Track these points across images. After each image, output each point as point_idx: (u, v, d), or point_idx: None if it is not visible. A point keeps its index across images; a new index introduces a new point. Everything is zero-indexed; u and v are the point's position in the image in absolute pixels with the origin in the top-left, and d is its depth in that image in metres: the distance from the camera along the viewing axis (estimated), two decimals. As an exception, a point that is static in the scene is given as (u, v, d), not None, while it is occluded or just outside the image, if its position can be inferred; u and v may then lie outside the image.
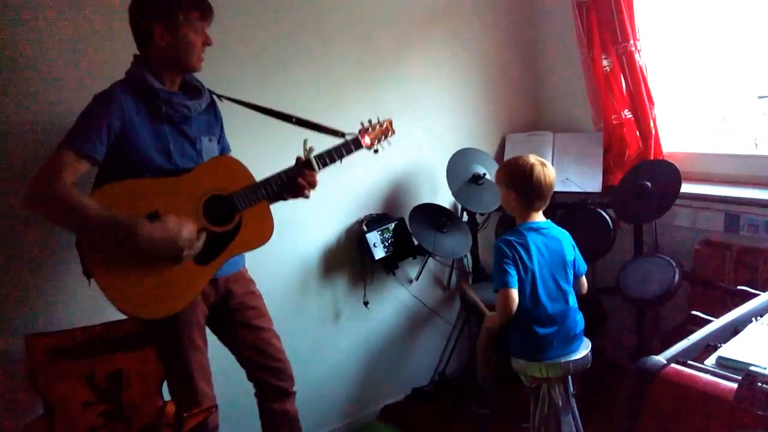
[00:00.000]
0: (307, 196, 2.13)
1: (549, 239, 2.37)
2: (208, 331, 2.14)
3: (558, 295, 2.34)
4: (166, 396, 2.18)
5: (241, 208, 2.01)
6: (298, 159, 2.12)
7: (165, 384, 2.13)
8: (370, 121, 2.30)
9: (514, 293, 2.26)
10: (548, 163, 2.38)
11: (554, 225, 2.43)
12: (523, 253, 2.30)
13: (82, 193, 1.78)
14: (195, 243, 1.88)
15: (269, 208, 2.10)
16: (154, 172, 1.91)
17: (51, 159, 1.79)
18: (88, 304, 2.18)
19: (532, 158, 2.36)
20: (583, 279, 2.48)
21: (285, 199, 2.16)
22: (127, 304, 1.86)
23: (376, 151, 2.31)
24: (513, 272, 2.27)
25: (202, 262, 1.94)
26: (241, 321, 2.17)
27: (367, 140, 2.26)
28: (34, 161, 1.97)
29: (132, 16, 1.93)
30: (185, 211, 1.91)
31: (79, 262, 1.89)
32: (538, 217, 2.40)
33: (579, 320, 2.39)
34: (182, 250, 1.84)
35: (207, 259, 1.95)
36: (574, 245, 2.44)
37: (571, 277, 2.39)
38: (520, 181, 2.34)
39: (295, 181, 2.10)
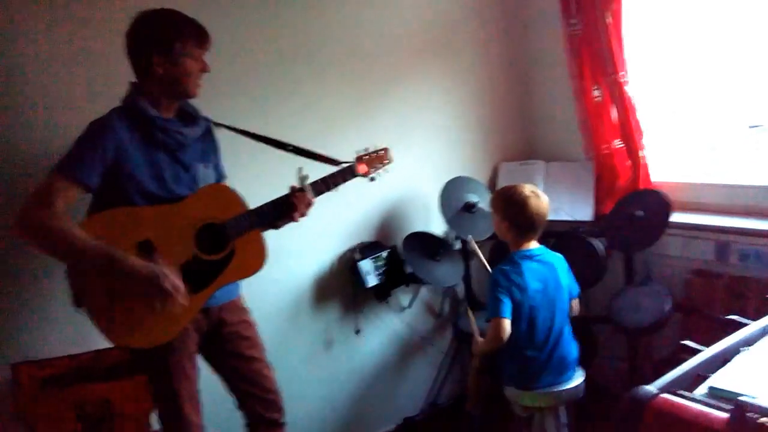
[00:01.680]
0: (295, 220, 2.13)
1: (544, 266, 2.38)
2: (199, 358, 2.12)
3: (554, 323, 2.35)
4: (155, 425, 2.15)
5: (234, 237, 2.00)
6: (292, 187, 2.13)
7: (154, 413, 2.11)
8: (367, 149, 2.32)
9: (506, 323, 2.27)
10: (542, 194, 2.41)
11: (548, 250, 2.45)
12: (519, 282, 2.32)
13: (71, 221, 1.78)
14: (178, 293, 1.85)
15: (262, 236, 2.10)
16: (148, 199, 1.92)
17: (43, 185, 1.79)
18: (77, 331, 2.16)
19: (527, 189, 2.38)
20: (575, 301, 2.49)
21: (277, 227, 2.17)
22: (116, 333, 1.85)
23: (372, 179, 2.33)
24: (507, 302, 2.28)
25: (192, 291, 1.93)
26: (233, 351, 2.15)
27: (362, 168, 2.27)
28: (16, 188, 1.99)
29: (130, 44, 1.94)
30: (178, 239, 1.92)
31: (67, 290, 1.88)
32: (532, 244, 2.42)
33: (573, 348, 2.40)
34: (165, 292, 1.82)
35: (198, 287, 1.94)
36: (568, 269, 2.45)
37: (567, 303, 2.40)
38: (514, 213, 2.37)
39: (289, 201, 2.09)
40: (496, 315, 2.28)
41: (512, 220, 2.38)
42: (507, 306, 2.28)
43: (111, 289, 1.82)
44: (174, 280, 1.84)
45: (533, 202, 2.35)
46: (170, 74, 1.92)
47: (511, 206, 2.37)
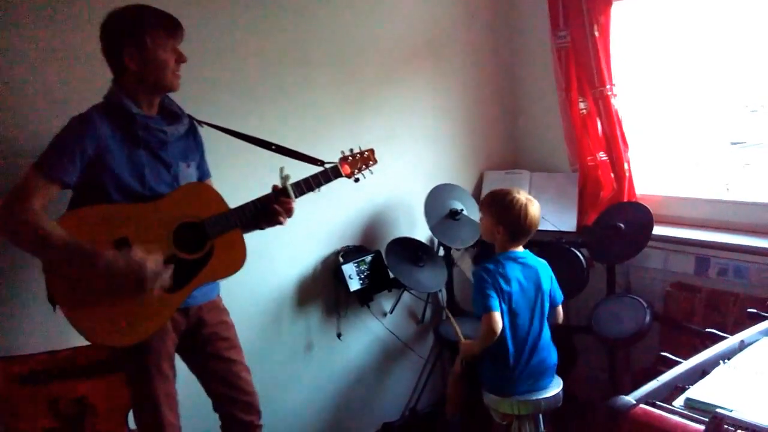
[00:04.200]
0: (282, 223, 2.12)
1: (527, 269, 2.40)
2: (177, 359, 2.11)
3: (533, 326, 2.36)
4: (132, 423, 2.13)
5: (213, 236, 1.99)
6: (275, 187, 2.12)
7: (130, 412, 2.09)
8: (351, 150, 2.31)
9: (498, 316, 2.28)
10: (535, 201, 2.42)
11: (532, 255, 2.46)
12: (501, 281, 2.33)
13: (49, 219, 1.77)
14: (161, 277, 1.84)
15: (242, 236, 2.08)
16: (128, 196, 1.90)
17: (21, 182, 1.78)
18: (54, 328, 2.13)
19: (523, 196, 2.40)
20: (559, 309, 2.51)
21: (262, 228, 2.15)
22: (93, 331, 1.83)
23: (357, 180, 2.31)
24: (495, 296, 2.30)
25: (170, 290, 1.91)
26: (211, 352, 2.14)
27: (346, 169, 2.26)
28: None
29: (102, 43, 1.92)
30: (155, 238, 1.90)
31: (44, 287, 1.85)
32: (518, 247, 2.43)
33: (552, 353, 2.41)
34: (146, 282, 1.81)
35: (176, 286, 1.93)
36: (552, 276, 2.46)
37: (547, 308, 2.41)
38: (511, 219, 2.37)
39: (270, 209, 2.08)
40: (487, 310, 2.28)
41: (507, 224, 2.38)
42: (495, 300, 2.29)
43: (87, 287, 1.80)
44: (153, 265, 1.82)
45: (530, 209, 2.37)
46: (145, 68, 1.90)
47: (508, 211, 2.37)
